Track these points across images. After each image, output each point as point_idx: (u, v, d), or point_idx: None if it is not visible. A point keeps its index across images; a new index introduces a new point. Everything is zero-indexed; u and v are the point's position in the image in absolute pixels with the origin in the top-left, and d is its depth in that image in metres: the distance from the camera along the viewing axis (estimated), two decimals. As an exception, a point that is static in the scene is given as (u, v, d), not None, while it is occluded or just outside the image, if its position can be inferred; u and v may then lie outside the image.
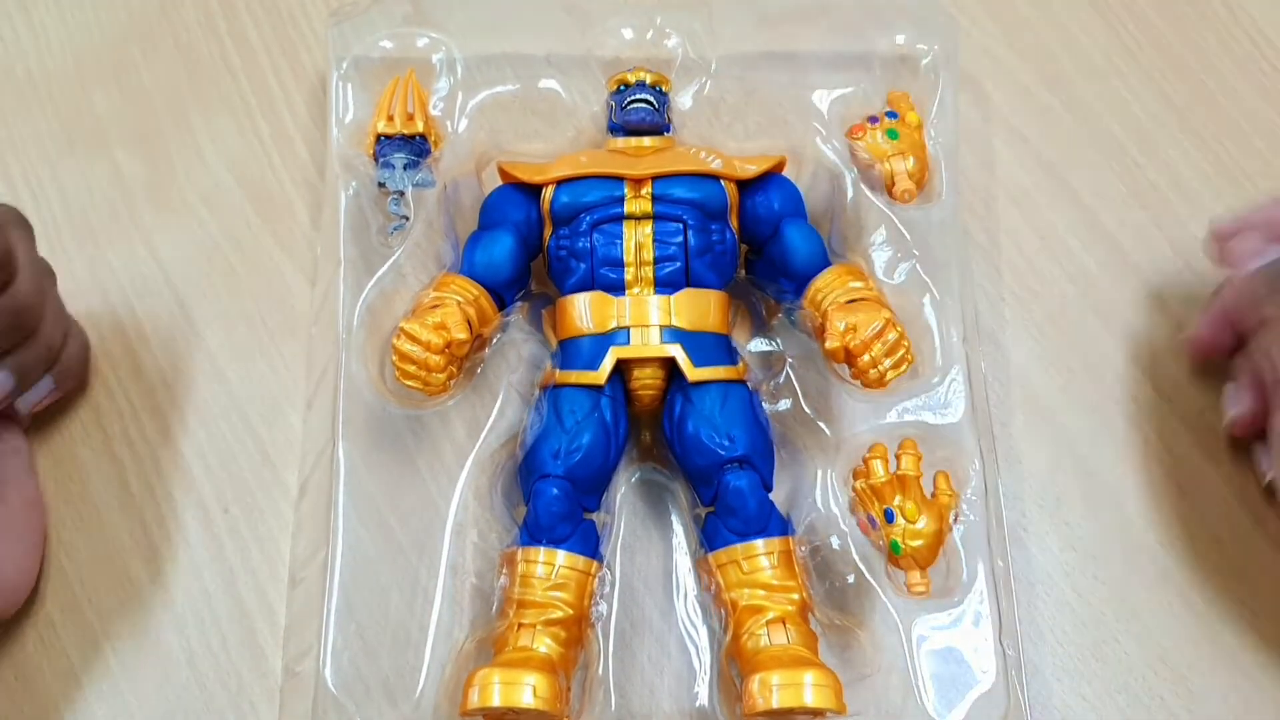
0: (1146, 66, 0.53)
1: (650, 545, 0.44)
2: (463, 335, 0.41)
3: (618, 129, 0.45)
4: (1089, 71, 0.52)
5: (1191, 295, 0.49)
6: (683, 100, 0.48)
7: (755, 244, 0.45)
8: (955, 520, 0.42)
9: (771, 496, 0.42)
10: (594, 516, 0.42)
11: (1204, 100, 0.52)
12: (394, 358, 0.41)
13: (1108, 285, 0.49)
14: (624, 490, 0.44)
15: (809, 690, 0.37)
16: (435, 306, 0.42)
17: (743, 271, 0.46)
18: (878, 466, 0.41)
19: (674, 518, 0.44)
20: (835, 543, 0.42)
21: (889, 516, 0.41)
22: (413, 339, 0.41)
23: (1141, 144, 0.51)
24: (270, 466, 0.46)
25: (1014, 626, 0.42)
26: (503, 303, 0.44)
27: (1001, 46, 0.53)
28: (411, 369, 0.41)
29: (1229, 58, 0.53)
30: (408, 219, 0.45)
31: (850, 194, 0.46)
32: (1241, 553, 0.44)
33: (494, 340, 0.45)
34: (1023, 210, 0.50)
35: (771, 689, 0.37)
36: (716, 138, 0.48)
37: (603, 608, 0.42)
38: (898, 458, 0.42)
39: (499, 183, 0.46)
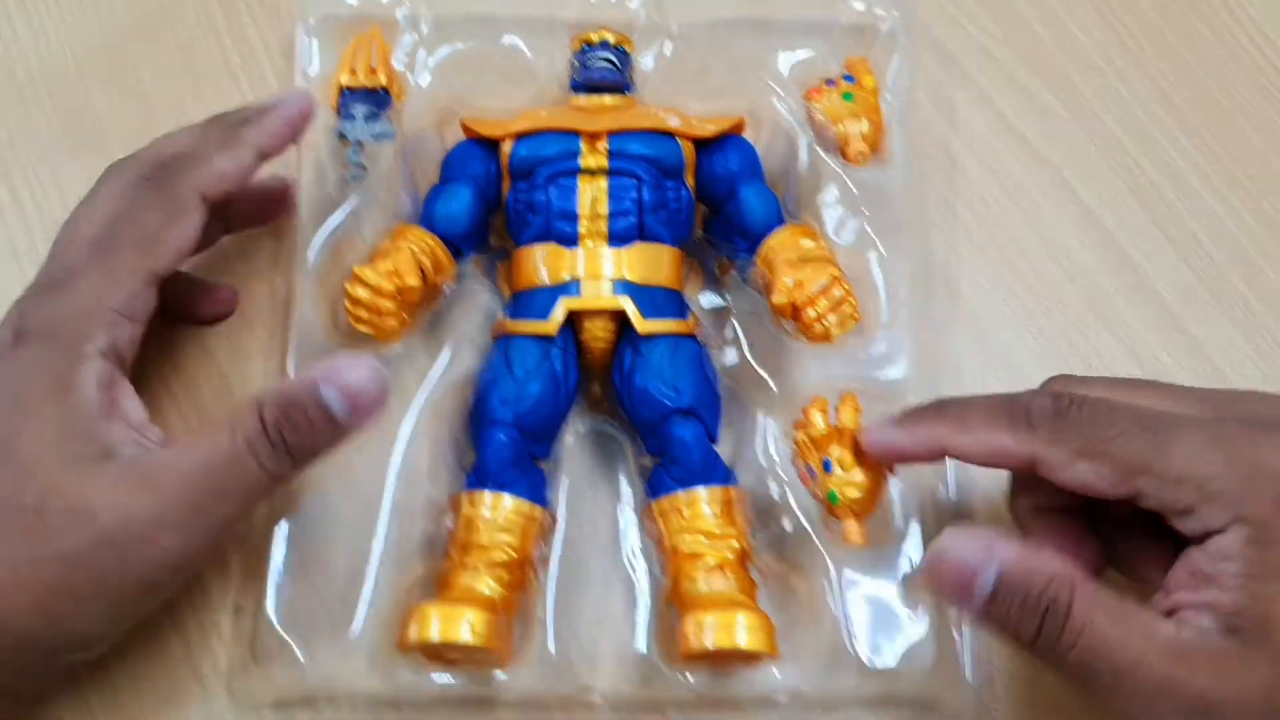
0: (1146, 66, 0.52)
1: (598, 495, 0.44)
2: (414, 281, 0.42)
3: (579, 87, 0.46)
4: (1088, 71, 0.52)
5: (1191, 294, 0.49)
6: (645, 61, 0.49)
7: (712, 203, 0.45)
8: (893, 472, 0.42)
9: (718, 449, 0.42)
10: (542, 465, 0.43)
11: (1204, 100, 0.52)
12: (346, 302, 0.42)
13: (1107, 284, 0.49)
14: (574, 441, 0.45)
15: (741, 632, 0.38)
16: (388, 253, 0.42)
17: (700, 231, 0.46)
18: (817, 418, 0.41)
19: (622, 469, 0.45)
20: (775, 492, 0.43)
21: (826, 467, 0.41)
22: (364, 283, 0.41)
23: (1141, 144, 0.51)
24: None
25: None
26: (460, 256, 0.45)
27: (1001, 46, 0.53)
28: (363, 314, 0.42)
29: (1229, 58, 0.53)
30: (364, 168, 0.46)
31: (805, 156, 0.46)
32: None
33: (450, 290, 0.45)
34: (1022, 210, 0.50)
35: (705, 629, 0.38)
36: (677, 99, 0.47)
37: (547, 553, 0.42)
38: (838, 410, 0.42)
39: (461, 139, 0.46)
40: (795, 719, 0.42)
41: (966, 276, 0.49)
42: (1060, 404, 0.35)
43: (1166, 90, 0.52)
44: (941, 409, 0.38)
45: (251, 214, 0.47)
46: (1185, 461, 0.33)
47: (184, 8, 0.53)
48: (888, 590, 0.42)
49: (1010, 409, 0.35)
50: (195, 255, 0.44)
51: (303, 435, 0.36)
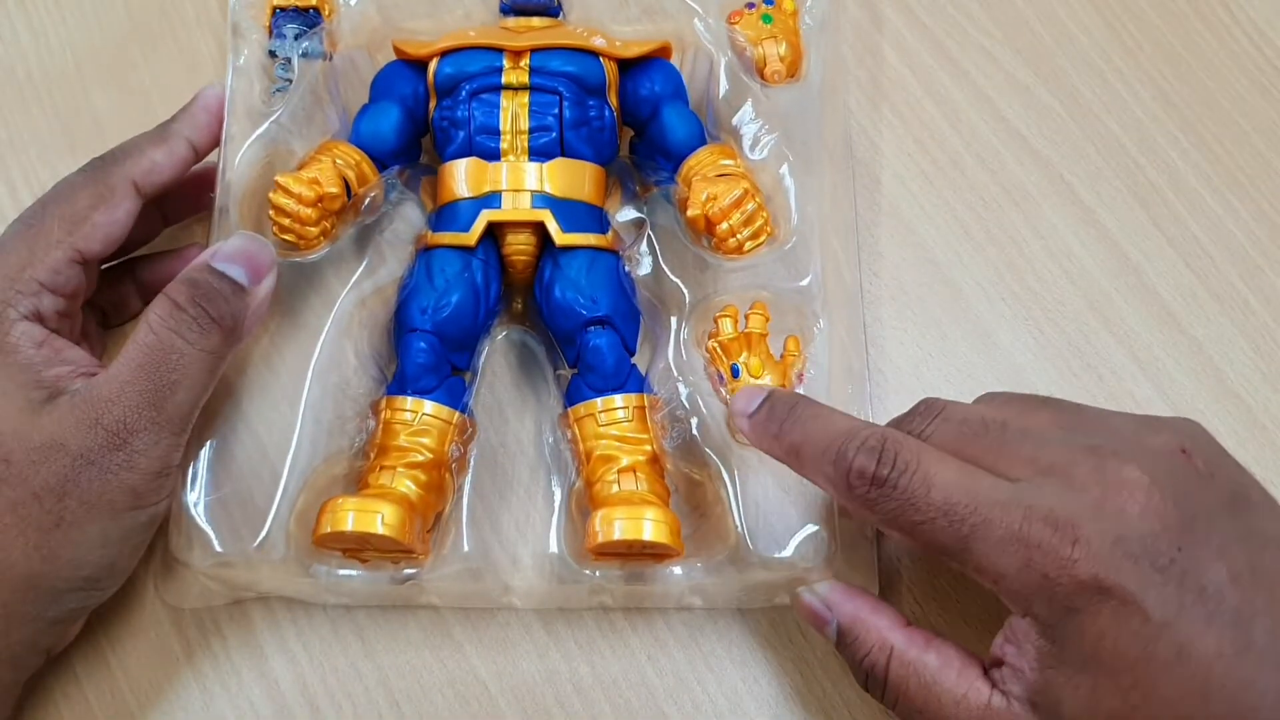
0: (1146, 66, 0.53)
1: (518, 404, 0.46)
2: (334, 190, 0.42)
3: (508, 10, 0.46)
4: (1088, 71, 0.52)
5: (1191, 294, 0.49)
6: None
7: (636, 125, 0.46)
8: (800, 380, 0.43)
9: (634, 361, 0.44)
10: (463, 375, 0.44)
11: (1204, 100, 0.52)
12: (270, 211, 0.43)
13: (1107, 284, 0.49)
14: (496, 353, 0.46)
15: (648, 525, 0.39)
16: (312, 164, 0.43)
17: (626, 153, 0.47)
18: (726, 325, 0.43)
19: (542, 380, 0.46)
20: (684, 392, 0.43)
21: (735, 372, 0.42)
22: (286, 192, 0.42)
23: (1141, 144, 0.51)
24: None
25: None
26: (385, 170, 0.46)
27: (1001, 46, 0.53)
28: (286, 221, 0.42)
29: (1229, 58, 0.53)
30: (290, 82, 0.46)
31: (724, 76, 0.47)
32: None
33: (380, 205, 0.46)
34: (1022, 210, 0.50)
35: (612, 523, 0.39)
36: (604, 23, 0.48)
37: (466, 456, 0.43)
38: (747, 317, 0.43)
39: (392, 60, 0.47)
40: (709, 616, 0.44)
41: (966, 276, 0.49)
42: (880, 473, 0.35)
43: (1166, 90, 0.52)
44: (791, 424, 0.38)
45: (187, 203, 0.48)
46: (983, 558, 0.34)
47: (184, 8, 0.53)
48: (786, 485, 0.42)
49: (835, 460, 0.36)
50: (137, 248, 0.47)
51: (219, 304, 0.39)
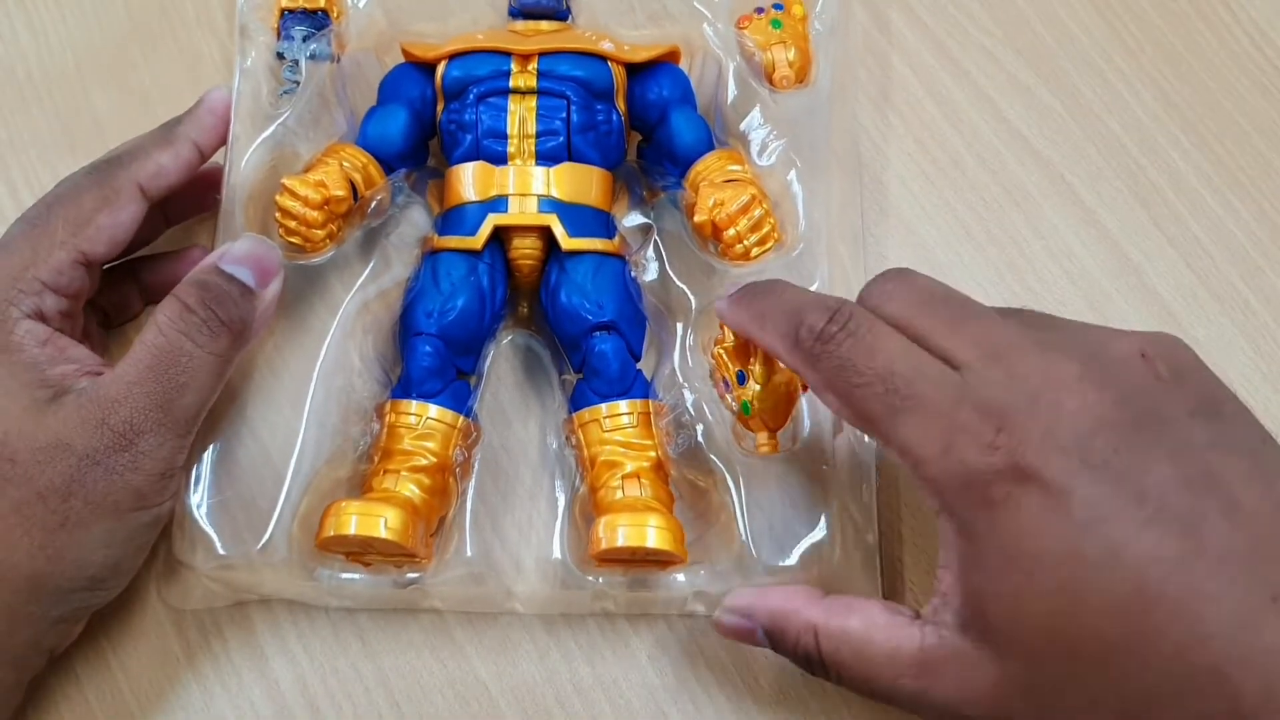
0: (1147, 66, 0.53)
1: (523, 409, 0.46)
2: (341, 192, 0.42)
3: (517, 13, 0.46)
4: (1088, 71, 0.52)
5: (1192, 295, 0.49)
6: (584, -9, 0.49)
7: (644, 129, 0.46)
8: (804, 387, 0.42)
9: (640, 367, 0.44)
10: (469, 379, 0.44)
11: (1205, 100, 0.52)
12: (276, 213, 0.43)
13: (1107, 285, 0.49)
14: (501, 358, 0.46)
15: (651, 532, 0.39)
16: (318, 167, 0.43)
17: (634, 158, 0.47)
18: (731, 332, 0.42)
19: (547, 385, 0.46)
20: (689, 398, 0.43)
21: (741, 379, 0.42)
22: (293, 194, 0.42)
23: (1142, 144, 0.51)
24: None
25: (854, 476, 0.43)
26: (392, 172, 0.45)
27: (1001, 46, 0.53)
28: (292, 224, 0.42)
29: (1230, 58, 0.53)
30: (298, 84, 0.46)
31: (733, 81, 0.47)
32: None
33: (387, 208, 0.45)
34: (1022, 210, 0.50)
35: (615, 530, 0.39)
36: (614, 29, 0.48)
37: (470, 460, 0.43)
38: None
39: (400, 63, 0.47)
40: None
41: (967, 276, 0.49)
42: (829, 330, 0.35)
43: (1167, 90, 0.52)
44: (759, 296, 0.38)
45: (190, 204, 0.48)
46: (908, 436, 0.33)
47: (184, 8, 0.53)
48: (791, 492, 0.42)
49: (791, 316, 0.36)
50: (139, 249, 0.47)
51: (229, 307, 0.39)
